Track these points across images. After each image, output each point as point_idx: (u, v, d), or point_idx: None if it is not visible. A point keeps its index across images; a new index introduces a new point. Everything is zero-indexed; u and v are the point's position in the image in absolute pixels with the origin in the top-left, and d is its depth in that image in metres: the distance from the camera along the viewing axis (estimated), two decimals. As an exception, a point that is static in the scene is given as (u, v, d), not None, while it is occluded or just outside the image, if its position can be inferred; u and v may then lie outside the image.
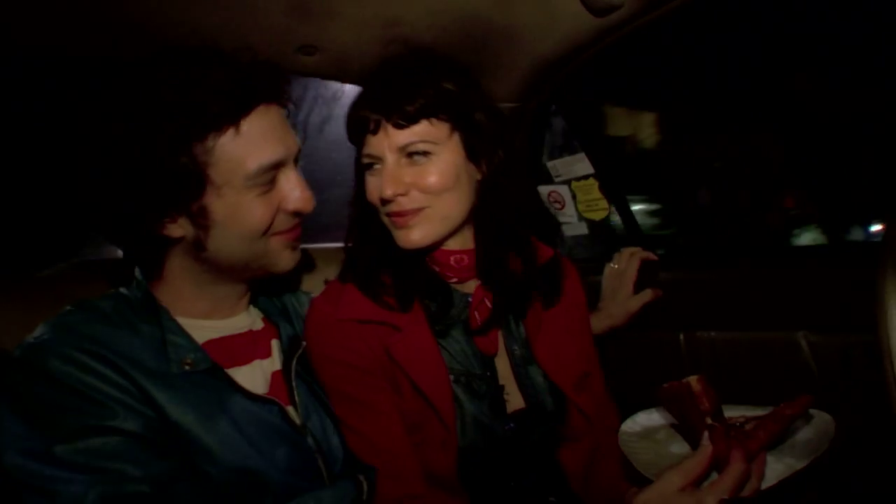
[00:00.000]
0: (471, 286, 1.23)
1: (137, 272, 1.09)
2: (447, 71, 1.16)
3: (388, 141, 1.11)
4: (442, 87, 1.12)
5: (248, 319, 1.17)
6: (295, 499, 1.04)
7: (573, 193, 2.01)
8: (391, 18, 1.36)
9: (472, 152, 1.16)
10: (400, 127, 1.10)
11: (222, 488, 0.99)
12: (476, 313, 1.21)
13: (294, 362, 1.14)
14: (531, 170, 2.03)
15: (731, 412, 1.06)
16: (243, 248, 1.04)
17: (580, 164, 1.95)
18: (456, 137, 1.14)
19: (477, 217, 1.21)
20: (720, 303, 1.82)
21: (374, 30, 1.39)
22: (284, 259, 1.10)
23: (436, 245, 1.19)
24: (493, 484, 1.20)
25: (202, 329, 1.08)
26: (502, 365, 1.24)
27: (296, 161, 1.09)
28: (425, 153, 1.11)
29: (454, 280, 1.23)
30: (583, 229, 2.06)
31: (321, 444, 1.12)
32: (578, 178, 1.97)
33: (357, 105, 1.15)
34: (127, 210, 0.98)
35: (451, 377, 1.17)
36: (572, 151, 1.95)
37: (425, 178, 1.11)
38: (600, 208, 1.98)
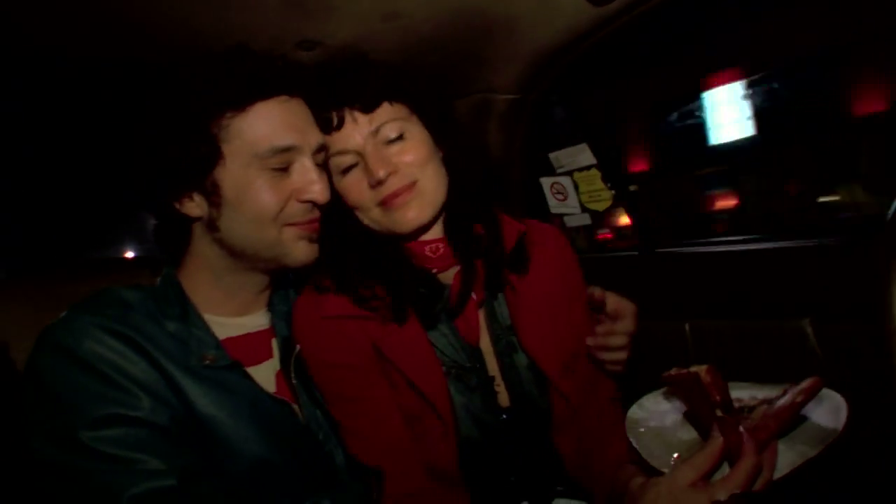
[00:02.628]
0: (450, 275, 1.23)
1: (166, 268, 1.11)
2: (385, 65, 1.20)
3: (359, 129, 1.13)
4: (387, 73, 1.17)
5: (264, 319, 1.18)
6: (310, 499, 1.05)
7: (575, 184, 2.00)
8: (390, 12, 1.35)
9: (434, 131, 1.21)
10: (366, 111, 1.13)
11: (241, 485, 0.99)
12: (454, 287, 1.21)
13: (292, 363, 1.14)
14: (533, 160, 2.02)
15: (738, 392, 1.04)
16: (253, 233, 1.05)
17: (582, 155, 1.94)
18: (415, 118, 1.19)
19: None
20: (725, 292, 1.81)
21: (373, 24, 1.38)
22: (299, 251, 1.10)
23: (425, 228, 1.19)
24: (493, 477, 1.20)
25: (221, 326, 1.09)
26: (490, 359, 1.23)
27: (318, 154, 1.11)
28: (400, 136, 1.15)
29: (434, 271, 1.22)
30: (585, 220, 2.05)
31: (324, 443, 1.13)
32: (580, 169, 1.97)
33: (314, 109, 1.15)
34: (153, 183, 1.03)
35: (443, 369, 1.17)
36: (574, 142, 1.95)
37: (408, 154, 1.14)
38: (603, 199, 1.97)
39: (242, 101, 1.02)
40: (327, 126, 1.14)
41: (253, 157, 1.02)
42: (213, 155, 1.01)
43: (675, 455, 1.00)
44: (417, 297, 1.19)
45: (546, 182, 2.05)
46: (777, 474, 0.92)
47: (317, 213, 1.12)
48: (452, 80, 1.77)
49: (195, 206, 1.05)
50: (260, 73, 1.04)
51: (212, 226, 1.05)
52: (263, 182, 1.03)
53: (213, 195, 1.03)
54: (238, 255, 1.08)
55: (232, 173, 1.02)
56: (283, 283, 1.22)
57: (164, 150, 1.01)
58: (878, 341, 1.03)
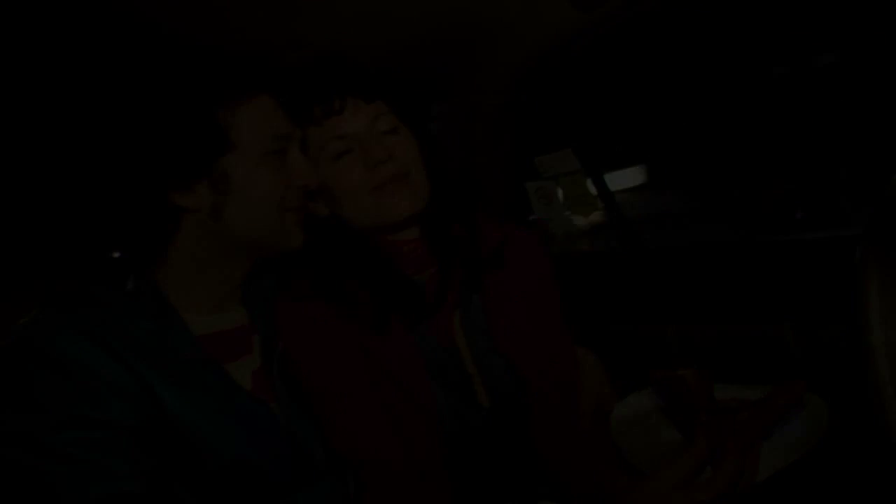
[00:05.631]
0: (425, 277, 1.23)
1: (141, 267, 1.09)
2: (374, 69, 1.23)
3: (360, 116, 1.16)
4: (377, 75, 1.22)
5: (240, 315, 1.17)
6: (288, 497, 1.04)
7: (561, 189, 2.01)
8: (378, 14, 1.35)
9: (416, 135, 1.25)
10: (367, 101, 1.17)
11: (217, 485, 0.98)
12: (430, 288, 1.22)
13: (274, 361, 1.14)
14: (518, 165, 2.03)
15: (723, 394, 1.05)
16: (260, 219, 1.08)
17: (567, 160, 1.95)
18: (400, 124, 1.22)
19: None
20: (707, 296, 1.83)
21: (359, 26, 1.38)
22: (297, 236, 1.14)
23: (410, 223, 1.21)
24: (476, 475, 1.20)
25: (196, 324, 1.07)
26: (468, 358, 1.23)
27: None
28: (394, 129, 1.18)
29: (411, 272, 1.23)
30: (570, 225, 2.06)
31: (303, 443, 1.12)
32: (566, 174, 1.98)
33: (309, 90, 1.17)
34: (148, 176, 1.02)
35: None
36: (559, 147, 1.96)
37: (400, 147, 1.17)
38: (588, 203, 1.98)
39: (246, 91, 1.06)
40: (327, 113, 1.16)
41: (259, 144, 1.06)
42: (222, 143, 1.03)
43: (659, 455, 1.00)
44: (398, 299, 1.19)
45: (531, 186, 2.06)
46: (759, 477, 0.93)
47: (305, 200, 1.16)
48: (438, 83, 1.78)
49: (196, 198, 1.04)
50: (257, 66, 1.10)
51: (214, 215, 1.05)
52: (269, 168, 1.07)
53: (222, 183, 1.04)
54: (237, 245, 1.10)
55: (242, 163, 1.05)
56: (257, 277, 1.22)
57: (171, 140, 1.01)
58: (858, 348, 1.04)
